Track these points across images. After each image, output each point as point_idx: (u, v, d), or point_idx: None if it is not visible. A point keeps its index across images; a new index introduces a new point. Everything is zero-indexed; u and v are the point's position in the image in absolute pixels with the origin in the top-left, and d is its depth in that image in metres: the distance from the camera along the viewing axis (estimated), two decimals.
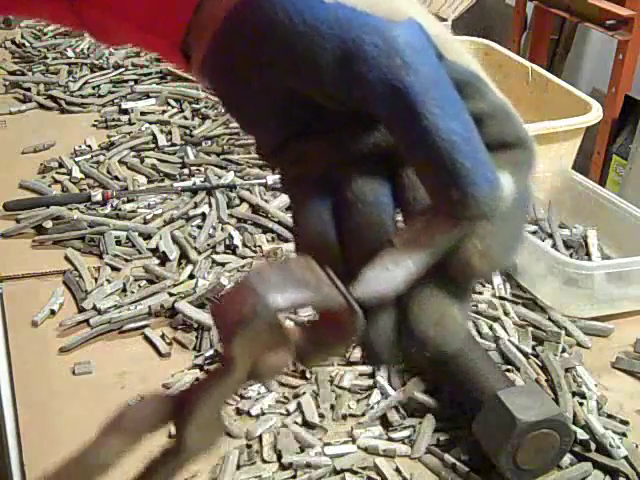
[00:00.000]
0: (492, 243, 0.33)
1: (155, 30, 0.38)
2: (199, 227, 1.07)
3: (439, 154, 0.30)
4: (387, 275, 0.32)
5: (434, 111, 0.30)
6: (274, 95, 0.34)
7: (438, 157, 0.30)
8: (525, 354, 0.86)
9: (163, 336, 0.88)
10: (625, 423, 0.79)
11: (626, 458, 0.75)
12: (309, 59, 0.32)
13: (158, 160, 1.24)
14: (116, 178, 1.18)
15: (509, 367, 0.84)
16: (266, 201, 1.12)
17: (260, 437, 0.76)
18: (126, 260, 1.00)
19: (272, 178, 1.16)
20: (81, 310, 0.91)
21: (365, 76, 0.31)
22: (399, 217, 0.35)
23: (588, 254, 1.03)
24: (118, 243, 1.03)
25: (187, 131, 1.32)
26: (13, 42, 1.66)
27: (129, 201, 1.12)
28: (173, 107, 1.40)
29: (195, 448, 0.32)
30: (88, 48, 1.62)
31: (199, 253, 1.01)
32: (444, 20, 2.20)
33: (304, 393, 0.80)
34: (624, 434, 0.78)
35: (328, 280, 0.32)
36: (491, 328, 0.90)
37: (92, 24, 0.39)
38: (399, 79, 0.30)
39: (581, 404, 0.80)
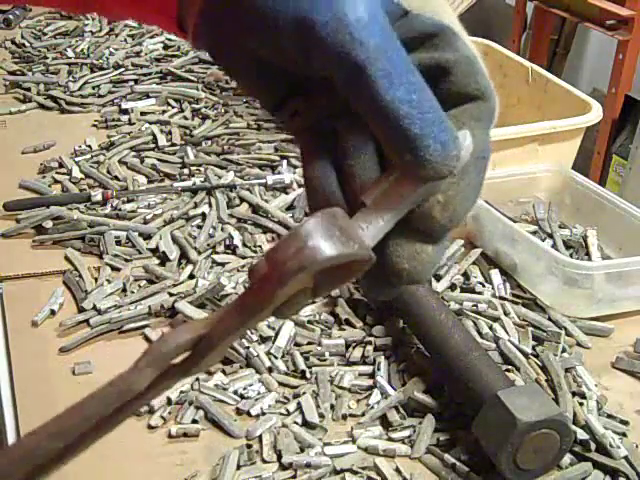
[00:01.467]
0: (452, 196, 0.34)
1: (149, 6, 0.40)
2: (199, 227, 1.07)
3: (387, 122, 0.32)
4: (362, 234, 0.34)
5: (380, 82, 0.32)
6: (261, 61, 0.37)
7: (387, 125, 0.32)
8: (525, 354, 0.86)
9: None
10: (625, 423, 0.79)
11: (626, 458, 0.75)
12: (270, 27, 0.34)
13: (158, 160, 1.24)
14: (116, 178, 1.18)
15: (509, 367, 0.84)
16: (266, 201, 1.12)
17: (260, 437, 0.76)
18: (126, 260, 1.00)
19: (272, 178, 1.16)
20: (81, 310, 0.91)
21: (319, 49, 0.33)
22: None
23: (588, 254, 1.03)
24: (118, 243, 1.03)
25: (187, 131, 1.32)
26: (13, 42, 1.66)
27: (129, 201, 1.12)
28: (173, 107, 1.40)
29: (204, 368, 0.35)
30: (88, 48, 1.62)
31: (199, 253, 1.01)
32: None
33: (304, 393, 0.80)
34: (624, 434, 0.78)
35: (356, 231, 0.34)
36: (491, 328, 0.90)
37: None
38: (348, 53, 0.32)
39: (581, 404, 0.80)
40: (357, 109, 0.34)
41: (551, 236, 1.05)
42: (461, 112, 0.35)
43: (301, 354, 0.85)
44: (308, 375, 0.83)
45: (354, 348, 0.86)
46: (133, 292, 0.94)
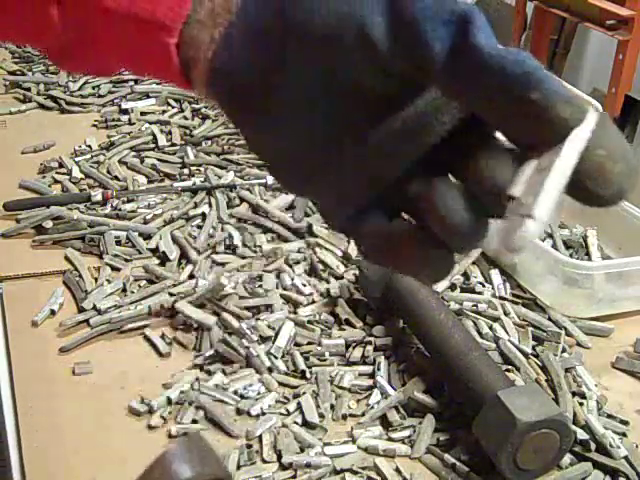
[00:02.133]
0: (612, 144, 0.31)
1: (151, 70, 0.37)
2: (199, 227, 1.07)
3: (505, 73, 0.29)
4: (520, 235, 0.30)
5: (484, 32, 0.29)
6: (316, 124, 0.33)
7: (505, 65, 0.29)
8: (525, 354, 0.86)
9: (163, 336, 0.88)
10: (625, 423, 0.79)
11: (626, 458, 0.75)
12: (353, 37, 0.30)
13: (158, 160, 1.24)
14: (116, 178, 1.18)
15: (509, 367, 0.84)
16: (266, 201, 1.12)
17: (260, 437, 0.76)
18: (126, 260, 1.00)
19: (272, 178, 1.16)
20: (81, 310, 0.91)
21: (407, 27, 0.30)
22: None
23: (588, 254, 1.03)
24: (118, 243, 1.03)
25: (187, 131, 1.32)
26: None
27: (129, 201, 1.12)
28: (173, 107, 1.40)
29: None
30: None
31: (199, 253, 1.01)
32: None
33: (304, 393, 0.80)
34: (624, 434, 0.78)
35: (215, 454, 0.38)
36: (491, 328, 0.90)
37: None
38: (449, 8, 0.29)
39: (581, 404, 0.80)
40: (468, 82, 0.30)
41: (551, 236, 1.05)
42: None
43: (301, 354, 0.85)
44: (308, 375, 0.83)
45: (354, 348, 0.86)
46: (133, 292, 0.94)
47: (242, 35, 0.33)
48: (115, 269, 0.98)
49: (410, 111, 0.32)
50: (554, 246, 1.02)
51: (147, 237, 1.04)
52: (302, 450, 0.75)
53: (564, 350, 0.88)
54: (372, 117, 0.33)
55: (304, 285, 0.95)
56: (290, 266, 0.99)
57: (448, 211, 0.31)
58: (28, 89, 1.46)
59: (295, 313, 0.91)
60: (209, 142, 1.29)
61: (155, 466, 0.35)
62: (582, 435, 0.76)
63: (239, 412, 0.79)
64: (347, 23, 0.31)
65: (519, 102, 0.29)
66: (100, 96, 1.44)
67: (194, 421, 0.78)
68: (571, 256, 1.01)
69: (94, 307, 0.91)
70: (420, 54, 0.30)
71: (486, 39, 0.29)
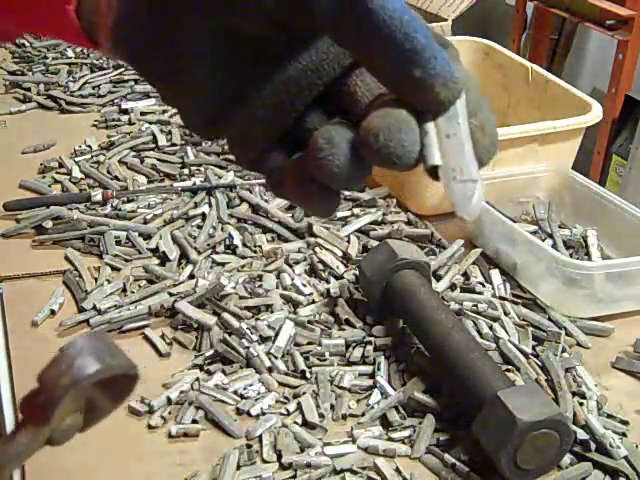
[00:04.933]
0: (482, 116, 0.33)
1: (42, 21, 0.39)
2: (199, 227, 1.07)
3: (392, 35, 0.30)
4: None
5: None
6: (204, 51, 0.34)
7: (395, 37, 0.30)
8: (525, 354, 0.86)
9: (163, 336, 0.88)
10: (625, 423, 0.79)
11: (626, 458, 0.75)
12: None
13: (158, 160, 1.24)
14: (116, 178, 1.18)
15: (509, 367, 0.84)
16: (266, 201, 1.12)
17: (260, 437, 0.76)
18: (126, 260, 1.00)
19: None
20: (81, 310, 0.91)
21: None
22: None
23: (588, 254, 1.03)
24: (118, 243, 1.03)
25: (187, 131, 1.32)
26: (13, 42, 1.66)
27: (129, 201, 1.12)
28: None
29: None
30: (88, 48, 1.61)
31: (199, 253, 1.01)
32: (444, 20, 2.20)
33: (304, 393, 0.80)
34: (624, 434, 0.78)
35: (120, 349, 0.37)
36: (491, 328, 0.90)
37: None
38: None
39: (581, 404, 0.80)
40: (355, 39, 0.31)
41: (551, 236, 1.05)
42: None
43: (301, 354, 0.85)
44: (308, 375, 0.83)
45: (354, 348, 0.86)
46: (133, 292, 0.94)
47: None
48: (115, 269, 0.98)
49: (304, 59, 0.34)
50: (554, 246, 1.02)
51: (147, 237, 1.04)
52: (302, 450, 0.75)
53: (564, 350, 0.88)
54: (265, 66, 0.35)
55: (304, 285, 0.95)
56: (290, 266, 0.99)
57: (326, 158, 0.33)
58: (28, 89, 1.46)
59: (295, 313, 0.91)
60: (209, 142, 1.29)
61: (59, 360, 0.34)
62: (582, 435, 0.76)
63: (239, 412, 0.79)
64: None
65: (402, 74, 0.30)
66: (100, 96, 1.44)
67: (194, 421, 0.78)
68: (571, 256, 1.01)
69: (94, 307, 0.91)
70: (304, 9, 0.31)
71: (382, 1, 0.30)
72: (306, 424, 0.77)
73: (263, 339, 0.86)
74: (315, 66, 0.34)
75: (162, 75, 0.37)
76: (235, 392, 0.81)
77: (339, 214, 1.09)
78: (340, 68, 0.35)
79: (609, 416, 0.80)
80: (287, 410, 0.79)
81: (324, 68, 0.34)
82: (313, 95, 0.35)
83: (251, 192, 1.14)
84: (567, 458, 0.74)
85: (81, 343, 0.34)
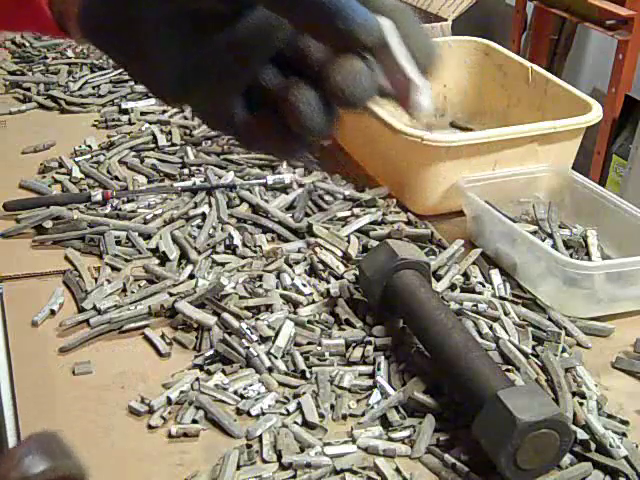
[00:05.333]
0: (413, 32, 0.38)
1: (21, 17, 0.43)
2: (199, 227, 1.07)
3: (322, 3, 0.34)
4: None
5: None
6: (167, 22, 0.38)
7: (320, 5, 0.34)
8: (525, 354, 0.86)
9: (163, 336, 0.88)
10: (625, 423, 0.79)
11: (626, 458, 0.75)
12: None
13: (158, 160, 1.24)
14: (116, 178, 1.18)
15: (509, 367, 0.84)
16: (266, 201, 1.12)
17: (260, 437, 0.76)
18: (126, 260, 1.00)
19: (272, 178, 1.16)
20: (81, 310, 0.91)
21: None
22: None
23: (588, 254, 1.03)
24: (118, 243, 1.03)
25: (187, 131, 1.32)
26: (13, 42, 1.66)
27: (129, 201, 1.12)
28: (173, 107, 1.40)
29: None
30: (88, 48, 1.61)
31: (199, 253, 1.01)
32: (444, 20, 2.20)
33: (304, 393, 0.80)
34: (624, 434, 0.78)
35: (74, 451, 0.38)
36: (491, 328, 0.90)
37: None
38: None
39: (581, 404, 0.80)
40: (281, 12, 0.36)
41: (551, 236, 1.05)
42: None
43: (301, 354, 0.85)
44: (308, 375, 0.83)
45: (354, 348, 0.86)
46: (133, 292, 0.94)
47: None
48: (115, 269, 0.98)
49: (251, 23, 0.38)
50: (554, 246, 1.02)
51: (147, 237, 1.04)
52: (302, 450, 0.75)
53: (564, 350, 0.88)
54: (217, 34, 0.38)
55: (304, 285, 0.95)
56: (290, 266, 0.99)
57: (305, 114, 0.38)
58: (28, 89, 1.46)
59: (295, 313, 0.91)
60: (209, 142, 1.29)
61: (12, 454, 0.35)
62: (582, 435, 0.76)
63: (239, 412, 0.79)
64: None
65: (330, 30, 0.35)
66: (100, 96, 1.44)
67: (194, 421, 0.78)
68: (571, 256, 1.01)
69: (94, 307, 0.91)
70: None
71: None
72: (306, 424, 0.77)
73: (263, 339, 0.86)
74: (264, 26, 0.38)
75: (128, 57, 0.41)
76: (235, 392, 0.81)
77: (339, 214, 1.09)
78: (289, 28, 0.39)
79: (609, 416, 0.80)
80: (287, 410, 0.79)
81: (272, 27, 0.38)
82: (268, 53, 0.39)
83: (251, 192, 1.14)
84: (567, 458, 0.74)
85: (35, 441, 0.36)
